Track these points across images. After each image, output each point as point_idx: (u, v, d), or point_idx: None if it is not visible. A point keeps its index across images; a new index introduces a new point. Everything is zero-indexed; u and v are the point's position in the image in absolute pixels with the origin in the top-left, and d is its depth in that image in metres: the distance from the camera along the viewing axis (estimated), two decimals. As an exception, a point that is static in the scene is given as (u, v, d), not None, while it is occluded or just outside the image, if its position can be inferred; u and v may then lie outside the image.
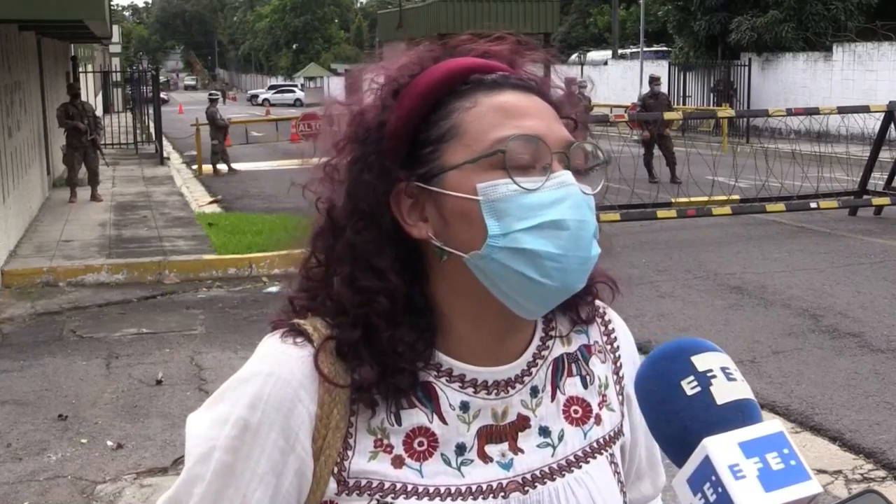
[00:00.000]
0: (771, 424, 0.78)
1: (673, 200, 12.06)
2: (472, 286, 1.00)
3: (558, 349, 1.11)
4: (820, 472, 4.71)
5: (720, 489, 0.74)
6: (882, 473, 4.71)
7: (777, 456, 0.75)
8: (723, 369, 0.82)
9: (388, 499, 0.99)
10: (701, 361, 0.82)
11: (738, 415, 0.79)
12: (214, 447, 0.99)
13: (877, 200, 12.35)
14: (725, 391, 0.81)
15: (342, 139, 1.05)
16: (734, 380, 0.82)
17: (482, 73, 1.03)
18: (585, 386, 1.11)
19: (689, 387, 0.81)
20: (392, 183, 1.01)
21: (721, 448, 0.76)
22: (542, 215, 0.95)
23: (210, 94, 21.30)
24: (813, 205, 11.87)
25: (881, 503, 0.78)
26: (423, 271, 1.03)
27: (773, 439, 0.77)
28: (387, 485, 0.99)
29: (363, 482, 0.99)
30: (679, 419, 0.80)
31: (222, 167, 19.35)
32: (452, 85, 1.02)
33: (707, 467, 0.76)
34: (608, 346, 1.15)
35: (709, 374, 0.81)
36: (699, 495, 0.76)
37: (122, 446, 5.12)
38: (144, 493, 4.58)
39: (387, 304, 1.00)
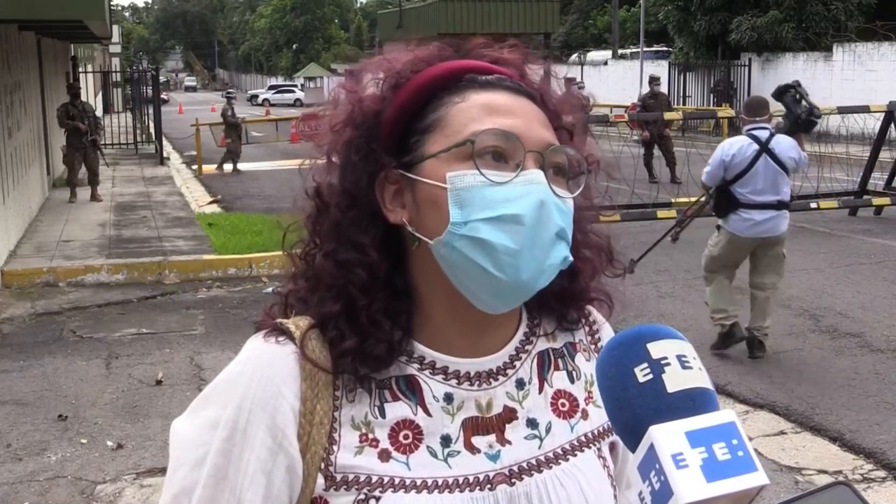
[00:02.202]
0: (723, 414, 0.77)
1: (673, 200, 12.04)
2: (442, 275, 1.02)
3: (543, 344, 1.12)
4: (820, 472, 4.72)
5: (663, 477, 0.74)
6: (882, 473, 4.71)
7: (725, 446, 0.75)
8: (679, 357, 0.81)
9: (377, 492, 0.99)
10: (656, 348, 0.81)
11: (689, 403, 0.78)
12: (208, 452, 0.99)
13: (877, 200, 12.35)
14: (678, 379, 0.80)
15: (340, 122, 1.08)
16: (689, 368, 0.81)
17: (479, 73, 1.05)
18: (572, 381, 1.12)
19: (642, 374, 0.80)
20: (378, 168, 1.04)
21: (666, 436, 0.75)
22: (502, 208, 0.97)
23: (227, 93, 21.29)
24: (813, 205, 11.87)
25: (850, 494, 0.77)
26: (403, 255, 1.05)
27: (723, 429, 0.76)
28: (374, 479, 0.99)
29: (350, 477, 0.99)
30: (630, 406, 0.80)
31: (228, 166, 19.33)
32: (447, 81, 1.04)
33: (652, 455, 0.75)
34: (592, 346, 1.16)
35: (663, 362, 0.80)
36: (647, 482, 0.75)
37: (122, 446, 5.12)
38: (144, 493, 4.58)
39: (365, 277, 1.02)
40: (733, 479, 0.73)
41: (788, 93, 7.00)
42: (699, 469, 0.73)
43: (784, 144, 6.50)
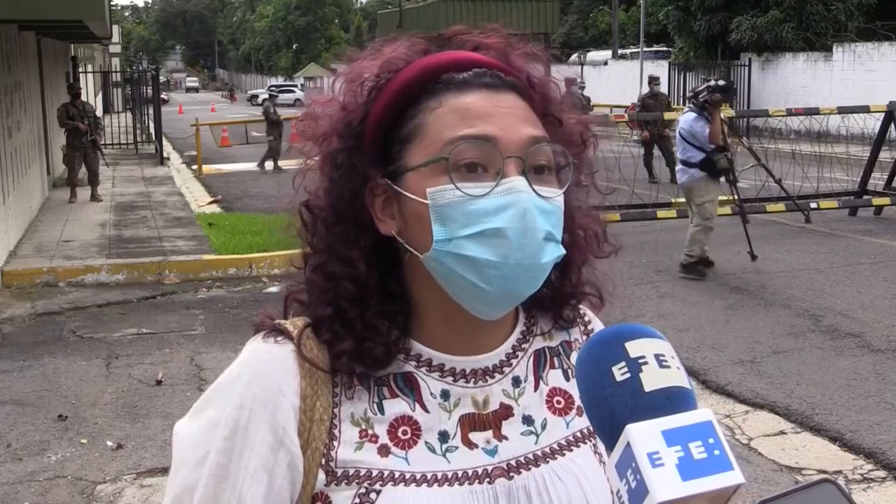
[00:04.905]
0: (700, 413, 0.77)
1: (673, 200, 12.03)
2: (435, 283, 1.02)
3: (539, 343, 1.13)
4: (820, 472, 4.72)
5: (639, 476, 0.74)
6: (882, 473, 4.71)
7: (701, 445, 0.75)
8: (657, 356, 0.81)
9: (377, 486, 1.00)
10: (634, 347, 0.81)
11: (667, 402, 0.78)
12: (209, 451, 1.00)
13: (877, 200, 12.35)
14: (655, 378, 0.80)
15: (322, 133, 1.06)
16: (667, 367, 0.81)
17: (456, 70, 1.03)
18: (567, 378, 1.13)
19: (620, 372, 0.80)
20: (365, 179, 1.03)
21: (642, 435, 0.75)
22: (483, 223, 0.96)
23: (269, 89, 21.23)
24: (813, 205, 11.87)
25: (835, 493, 0.77)
26: (398, 261, 1.05)
27: (700, 428, 0.76)
28: (374, 473, 1.00)
29: (351, 471, 1.00)
30: (607, 405, 0.80)
31: (269, 164, 19.30)
32: (425, 83, 1.03)
33: (629, 454, 0.75)
34: None
35: (640, 361, 0.80)
36: (623, 481, 0.76)
37: (122, 446, 5.12)
38: (144, 493, 4.58)
39: (353, 289, 1.02)
40: (709, 478, 0.73)
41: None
42: (675, 468, 0.73)
43: (680, 119, 9.08)
